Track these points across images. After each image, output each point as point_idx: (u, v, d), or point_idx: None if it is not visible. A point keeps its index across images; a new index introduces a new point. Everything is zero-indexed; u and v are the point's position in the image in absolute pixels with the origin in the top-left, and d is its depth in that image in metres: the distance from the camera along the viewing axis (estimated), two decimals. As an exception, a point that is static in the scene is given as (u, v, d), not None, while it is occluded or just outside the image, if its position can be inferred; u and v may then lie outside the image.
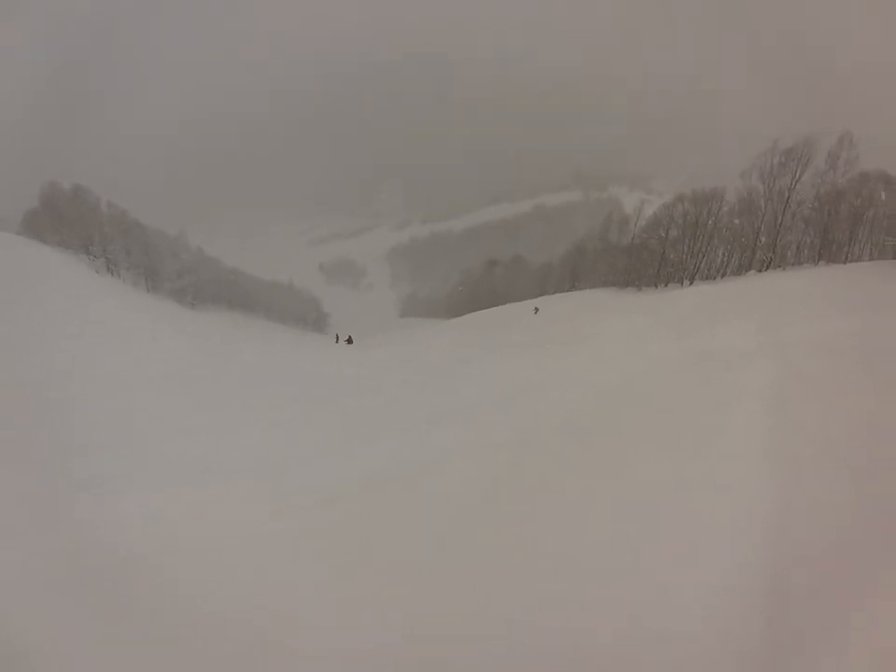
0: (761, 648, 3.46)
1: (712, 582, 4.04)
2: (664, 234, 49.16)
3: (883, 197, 37.72)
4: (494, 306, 62.58)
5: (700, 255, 47.07)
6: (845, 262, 37.99)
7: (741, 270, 44.19)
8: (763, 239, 43.43)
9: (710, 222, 45.95)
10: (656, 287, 48.04)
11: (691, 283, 45.57)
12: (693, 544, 4.62)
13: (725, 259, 46.77)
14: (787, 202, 41.55)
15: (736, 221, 45.05)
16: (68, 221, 60.03)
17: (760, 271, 41.57)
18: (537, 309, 45.77)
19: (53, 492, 6.39)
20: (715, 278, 44.90)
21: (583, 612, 3.85)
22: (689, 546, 4.59)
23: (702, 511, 5.16)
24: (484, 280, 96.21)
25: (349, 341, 46.75)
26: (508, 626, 3.79)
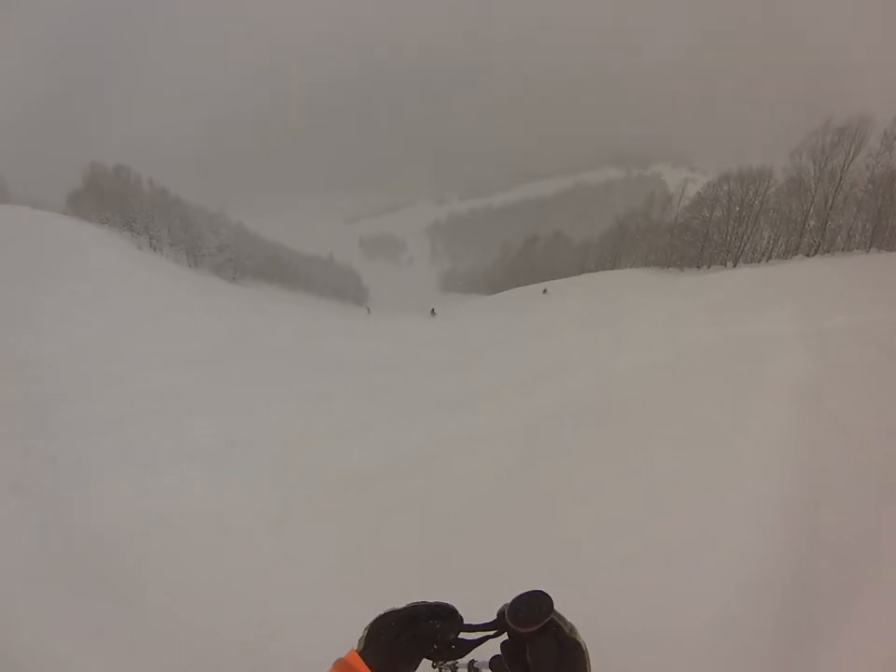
0: (781, 638, 3.51)
1: (731, 571, 4.07)
2: (708, 214, 48.13)
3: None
4: (534, 282, 62.20)
5: (745, 236, 45.94)
6: (899, 249, 36.48)
7: (787, 253, 42.98)
8: (812, 222, 41.96)
9: (757, 203, 44.70)
10: (699, 268, 47.16)
11: (734, 265, 44.58)
12: (714, 532, 4.64)
13: (771, 241, 45.52)
14: (839, 183, 39.95)
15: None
16: (110, 200, 61.45)
17: (807, 255, 40.33)
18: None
19: (64, 469, 6.52)
20: (760, 261, 43.84)
21: (599, 599, 3.85)
22: (709, 534, 4.61)
23: (725, 498, 5.17)
24: (525, 256, 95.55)
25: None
26: None
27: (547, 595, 1.15)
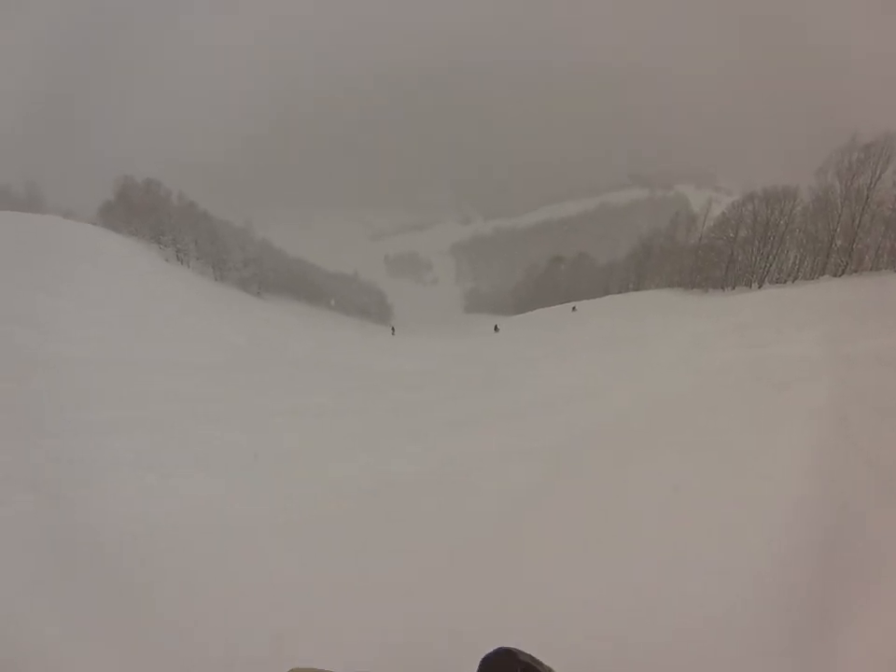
0: (786, 644, 3.55)
1: (742, 597, 4.02)
2: (732, 235, 47.92)
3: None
4: (558, 303, 62.34)
5: (770, 257, 45.51)
6: (928, 269, 35.63)
7: (814, 274, 42.41)
8: (839, 242, 41.25)
9: (782, 223, 44.28)
10: (723, 289, 46.87)
11: (760, 286, 44.20)
12: (732, 548, 4.67)
13: (797, 261, 44.99)
14: (866, 202, 39.10)
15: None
16: (140, 212, 63.00)
17: (834, 275, 39.75)
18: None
19: (78, 471, 6.58)
20: (786, 282, 43.41)
21: (614, 617, 3.91)
22: (727, 551, 4.64)
23: (741, 526, 5.09)
24: (549, 277, 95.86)
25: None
26: (533, 628, 3.79)
27: (511, 650, 1.17)
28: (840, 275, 39.30)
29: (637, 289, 63.42)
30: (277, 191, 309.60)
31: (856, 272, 39.01)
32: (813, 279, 40.78)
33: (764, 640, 3.58)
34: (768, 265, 45.65)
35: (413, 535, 5.56)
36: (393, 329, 59.13)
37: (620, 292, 64.06)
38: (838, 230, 41.23)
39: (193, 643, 3.74)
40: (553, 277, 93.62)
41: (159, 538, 5.24)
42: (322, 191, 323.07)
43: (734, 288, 45.93)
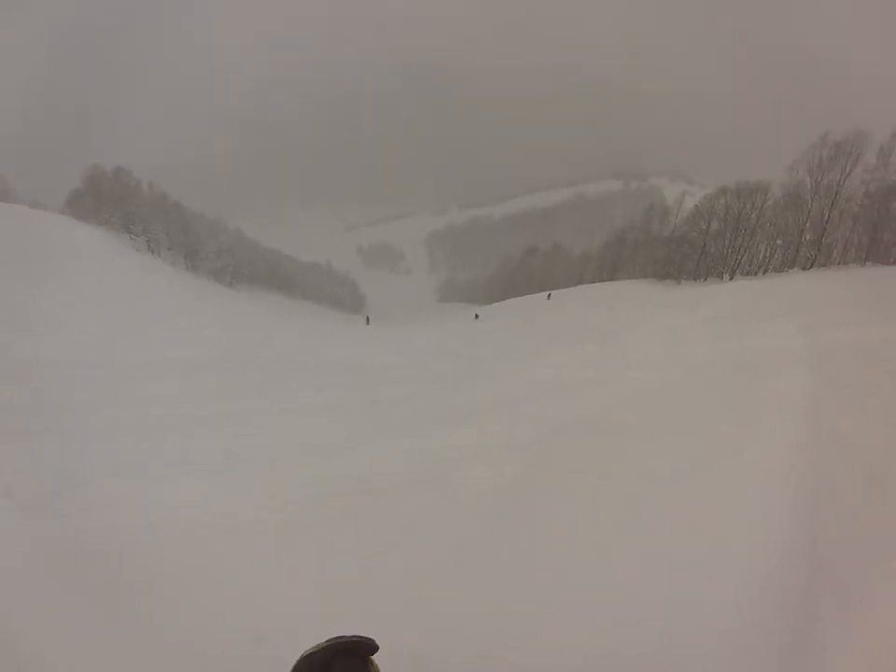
0: (778, 665, 3.48)
1: (731, 597, 4.02)
2: (705, 227, 48.44)
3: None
4: (532, 293, 62.50)
5: (742, 249, 46.17)
6: (894, 263, 36.47)
7: (784, 266, 43.20)
8: (809, 236, 42.24)
9: (753, 216, 44.93)
10: (696, 280, 47.32)
11: (731, 278, 44.80)
12: (713, 549, 4.64)
13: (768, 254, 45.80)
14: (835, 197, 40.21)
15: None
16: (109, 202, 61.81)
17: (803, 268, 40.65)
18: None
19: (58, 476, 6.45)
20: (756, 274, 44.10)
21: (598, 621, 3.86)
22: (708, 551, 4.60)
23: (727, 522, 5.12)
24: (523, 267, 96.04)
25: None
26: (522, 632, 3.81)
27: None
28: (809, 268, 40.25)
29: (611, 280, 63.63)
30: (252, 183, 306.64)
31: (824, 265, 39.96)
32: (783, 272, 41.58)
33: (754, 640, 3.60)
34: (739, 257, 46.30)
35: (401, 532, 5.51)
36: (368, 318, 58.93)
37: (594, 282, 64.26)
38: (808, 224, 42.21)
39: (182, 646, 3.73)
40: (528, 268, 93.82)
41: (145, 541, 5.14)
42: (297, 183, 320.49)
43: (706, 280, 46.38)
